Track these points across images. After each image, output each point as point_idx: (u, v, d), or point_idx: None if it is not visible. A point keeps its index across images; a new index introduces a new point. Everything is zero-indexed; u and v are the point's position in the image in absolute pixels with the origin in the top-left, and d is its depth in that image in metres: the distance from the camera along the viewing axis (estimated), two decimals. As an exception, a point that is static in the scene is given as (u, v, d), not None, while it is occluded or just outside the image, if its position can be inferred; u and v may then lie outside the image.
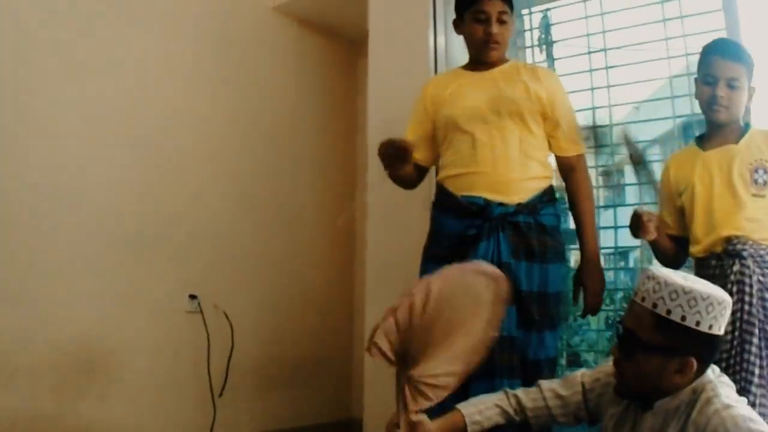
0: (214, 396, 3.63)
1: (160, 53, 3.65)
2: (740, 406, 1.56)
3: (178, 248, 3.62)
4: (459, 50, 3.09)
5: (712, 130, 2.42)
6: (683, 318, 1.58)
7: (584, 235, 2.56)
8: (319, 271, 4.28)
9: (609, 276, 3.41)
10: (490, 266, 2.07)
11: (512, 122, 2.48)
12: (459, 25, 2.66)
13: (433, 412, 1.93)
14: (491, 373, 2.26)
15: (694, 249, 2.37)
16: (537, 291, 2.42)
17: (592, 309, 2.55)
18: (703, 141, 2.45)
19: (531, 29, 3.51)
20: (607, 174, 3.54)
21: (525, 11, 3.51)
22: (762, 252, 2.22)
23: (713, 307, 1.59)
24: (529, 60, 3.46)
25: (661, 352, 1.61)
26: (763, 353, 2.15)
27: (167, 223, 3.59)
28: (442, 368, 1.89)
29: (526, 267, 2.42)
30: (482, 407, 1.94)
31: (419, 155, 2.64)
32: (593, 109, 3.24)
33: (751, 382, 2.10)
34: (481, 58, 2.61)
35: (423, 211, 3.28)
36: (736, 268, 2.21)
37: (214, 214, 3.79)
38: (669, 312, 1.59)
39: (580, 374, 1.94)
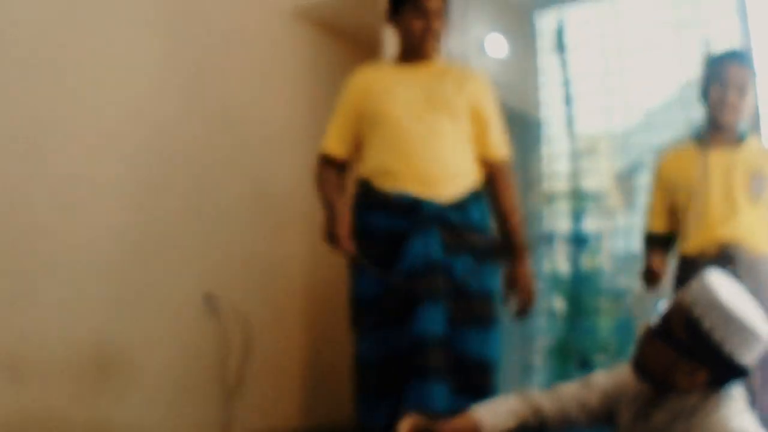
0: (229, 396, 3.65)
1: (176, 55, 3.67)
2: (745, 417, 1.57)
3: (194, 247, 3.63)
4: (472, 53, 3.11)
5: (713, 132, 2.45)
6: (710, 330, 1.58)
7: (513, 235, 2.52)
8: (337, 272, 4.26)
9: (620, 281, 3.44)
10: None
11: (443, 119, 2.44)
12: (393, 16, 2.58)
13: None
14: (425, 374, 2.25)
15: (685, 247, 2.38)
16: (475, 289, 2.40)
17: (524, 310, 2.51)
18: (702, 142, 2.46)
19: (545, 33, 3.53)
20: (619, 178, 3.56)
21: (539, 15, 3.53)
22: (753, 260, 2.25)
23: (743, 333, 1.57)
24: (543, 63, 3.47)
25: (679, 350, 1.62)
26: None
27: (183, 223, 3.60)
28: None
29: (461, 264, 2.39)
30: (498, 410, 1.96)
31: (340, 150, 2.63)
32: (606, 112, 3.26)
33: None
34: (418, 52, 2.55)
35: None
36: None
37: (230, 214, 3.80)
38: (700, 318, 1.60)
39: (597, 376, 1.96)
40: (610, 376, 1.93)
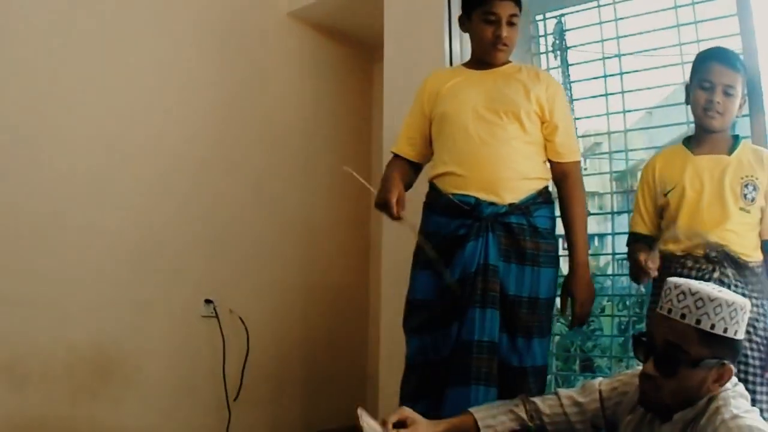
0: (229, 400, 3.64)
1: (175, 58, 3.66)
2: (749, 416, 1.55)
3: (193, 253, 3.63)
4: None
5: (703, 135, 2.42)
6: (725, 330, 1.59)
7: (575, 242, 2.48)
8: (334, 277, 4.29)
9: (622, 281, 3.42)
10: None
11: (509, 122, 2.42)
12: (464, 23, 2.61)
13: None
14: (467, 379, 2.24)
15: (673, 246, 2.36)
16: (527, 296, 2.37)
17: (580, 320, 2.48)
18: (692, 145, 2.45)
19: (545, 35, 3.50)
20: (619, 179, 3.54)
21: (539, 17, 3.51)
22: (741, 264, 2.25)
23: (746, 314, 1.63)
24: (543, 66, 3.46)
25: (706, 365, 1.60)
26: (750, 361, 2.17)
27: (183, 228, 3.59)
28: None
29: (517, 270, 2.37)
30: (495, 411, 1.94)
31: (414, 153, 2.63)
32: (607, 114, 3.24)
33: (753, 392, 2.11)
34: (486, 59, 2.55)
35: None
36: (716, 275, 2.23)
37: (229, 219, 3.80)
38: (713, 327, 1.59)
39: (598, 382, 1.94)
40: (610, 383, 1.92)
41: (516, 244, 2.37)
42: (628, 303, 3.60)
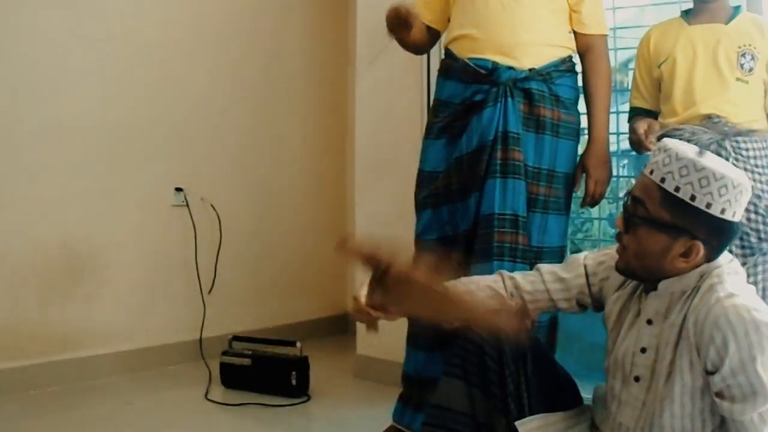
0: (203, 293, 3.56)
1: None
2: (744, 294, 1.42)
3: (162, 141, 3.47)
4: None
5: (700, 5, 2.32)
6: (693, 198, 1.43)
7: (595, 117, 2.35)
8: (310, 163, 4.14)
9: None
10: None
11: None
12: None
13: None
14: (489, 255, 2.14)
15: (670, 120, 2.27)
16: (546, 168, 2.25)
17: (593, 198, 2.36)
18: (689, 16, 2.35)
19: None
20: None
21: None
22: (738, 137, 2.16)
23: (727, 189, 1.43)
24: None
25: (665, 230, 1.47)
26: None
27: (151, 115, 3.43)
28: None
29: (536, 139, 2.24)
30: (473, 287, 1.78)
31: (431, 16, 2.44)
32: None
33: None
34: None
35: (415, 94, 3.14)
36: (713, 147, 2.11)
37: (199, 105, 3.63)
38: (677, 189, 1.43)
39: (583, 257, 1.79)
40: (596, 257, 1.78)
41: (535, 111, 2.24)
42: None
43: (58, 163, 3.13)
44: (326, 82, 4.20)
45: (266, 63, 3.95)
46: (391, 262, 1.55)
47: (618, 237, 1.58)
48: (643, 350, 1.56)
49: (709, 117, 2.19)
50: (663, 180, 1.45)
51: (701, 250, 1.47)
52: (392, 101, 3.21)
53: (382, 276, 1.56)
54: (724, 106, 2.19)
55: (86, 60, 3.21)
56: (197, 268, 3.55)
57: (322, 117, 4.20)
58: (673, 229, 1.46)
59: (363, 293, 1.63)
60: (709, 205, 1.43)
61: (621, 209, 1.60)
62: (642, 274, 1.56)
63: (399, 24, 2.17)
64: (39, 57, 3.07)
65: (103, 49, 3.27)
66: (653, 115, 2.39)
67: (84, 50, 3.21)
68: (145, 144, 3.41)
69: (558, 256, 2.29)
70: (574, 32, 2.37)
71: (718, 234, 1.47)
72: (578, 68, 2.43)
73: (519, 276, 1.81)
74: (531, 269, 1.92)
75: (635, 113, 2.43)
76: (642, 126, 2.19)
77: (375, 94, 3.28)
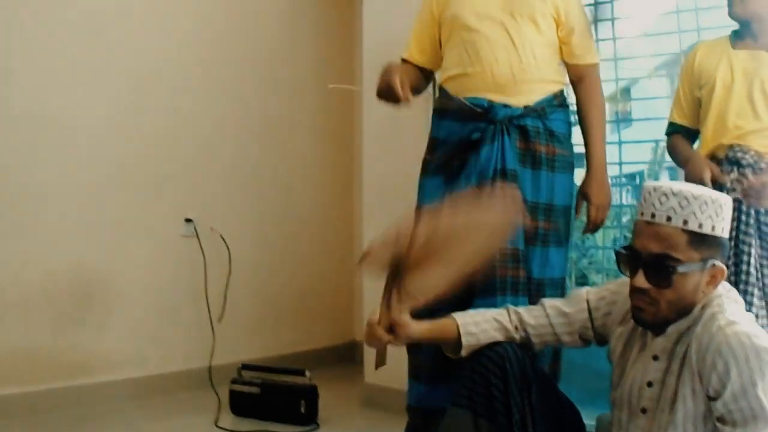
0: (213, 322, 3.58)
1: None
2: (745, 322, 1.48)
3: (173, 172, 3.52)
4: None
5: (742, 26, 2.25)
6: (713, 228, 1.51)
7: (592, 146, 2.40)
8: (317, 193, 4.18)
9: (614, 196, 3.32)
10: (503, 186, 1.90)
11: (524, 23, 2.29)
12: None
13: None
14: (493, 291, 2.15)
15: (701, 147, 2.28)
16: (544, 202, 2.28)
17: (595, 225, 2.40)
18: (736, 37, 2.29)
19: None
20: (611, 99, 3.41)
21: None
22: (763, 164, 2.13)
23: (729, 210, 1.55)
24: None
25: (697, 268, 1.52)
26: (760, 262, 2.12)
27: (162, 147, 3.48)
28: (435, 273, 1.73)
29: (532, 175, 2.27)
30: (479, 319, 1.82)
31: (423, 58, 2.50)
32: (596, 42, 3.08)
33: (752, 294, 2.07)
34: None
35: (421, 123, 3.18)
36: (733, 176, 2.14)
37: (209, 136, 3.67)
38: (701, 225, 1.50)
39: (585, 291, 1.83)
40: (598, 292, 1.81)
41: (531, 147, 2.27)
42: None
43: (70, 193, 3.18)
44: (333, 112, 4.24)
45: (274, 94, 3.99)
46: (402, 250, 1.66)
47: (642, 293, 1.56)
48: (650, 384, 1.59)
49: (731, 146, 2.18)
50: (686, 222, 1.50)
51: (725, 270, 1.54)
52: (399, 130, 3.24)
53: (398, 267, 1.66)
54: (750, 136, 2.16)
55: (98, 90, 3.27)
56: (207, 296, 3.57)
57: (329, 147, 4.24)
58: (701, 263, 1.52)
59: (376, 317, 1.69)
60: (723, 230, 1.53)
61: (629, 271, 1.60)
62: (673, 318, 1.57)
63: (392, 100, 2.23)
64: (51, 86, 3.12)
65: (114, 80, 3.32)
66: (692, 132, 2.37)
67: (96, 80, 3.26)
68: (156, 175, 3.46)
69: (559, 287, 2.32)
70: (566, 63, 2.42)
71: (726, 251, 1.57)
72: (570, 100, 2.47)
73: (523, 311, 1.84)
74: (530, 301, 1.97)
75: (674, 129, 2.41)
76: (707, 175, 2.15)
77: (382, 124, 3.32)
